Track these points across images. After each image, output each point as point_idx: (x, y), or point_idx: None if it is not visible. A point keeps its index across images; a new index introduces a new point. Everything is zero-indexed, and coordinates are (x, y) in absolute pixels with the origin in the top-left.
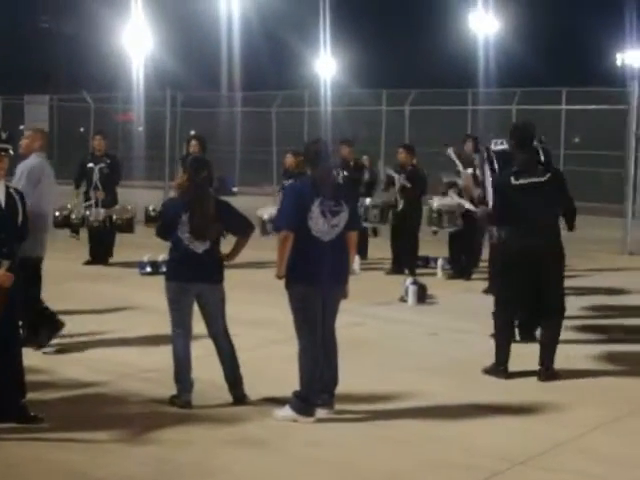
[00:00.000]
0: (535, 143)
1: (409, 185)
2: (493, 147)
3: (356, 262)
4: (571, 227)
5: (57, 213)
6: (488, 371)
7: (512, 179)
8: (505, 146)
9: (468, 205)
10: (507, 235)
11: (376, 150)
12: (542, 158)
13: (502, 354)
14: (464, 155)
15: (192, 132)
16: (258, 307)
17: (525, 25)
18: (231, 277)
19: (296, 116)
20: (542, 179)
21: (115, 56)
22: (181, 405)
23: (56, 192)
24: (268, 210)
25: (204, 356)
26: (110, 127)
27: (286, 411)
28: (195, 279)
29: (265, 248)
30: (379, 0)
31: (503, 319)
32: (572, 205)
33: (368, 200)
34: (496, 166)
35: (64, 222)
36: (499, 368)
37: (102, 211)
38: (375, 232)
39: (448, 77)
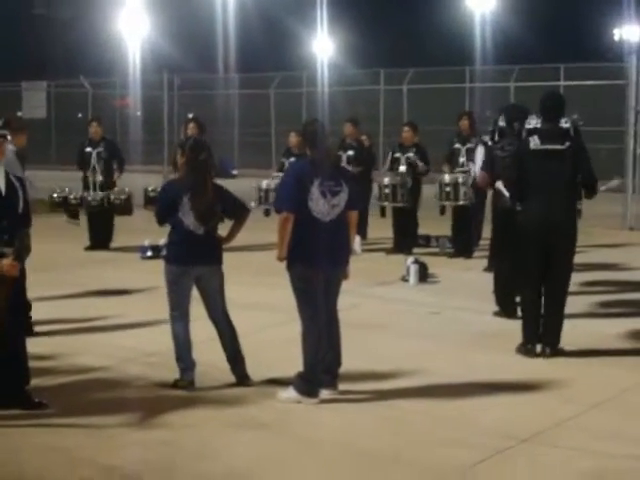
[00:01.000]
0: (567, 120)
1: (420, 163)
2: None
3: (357, 242)
4: (590, 195)
5: (55, 194)
6: (519, 350)
7: (531, 144)
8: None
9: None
10: (523, 203)
11: (375, 129)
12: (571, 133)
13: (529, 332)
14: (463, 133)
15: (190, 115)
16: (260, 289)
17: (521, 2)
18: (232, 259)
19: (294, 97)
20: (561, 147)
21: (111, 41)
22: (184, 385)
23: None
24: (267, 181)
25: (205, 340)
26: (108, 112)
27: (290, 392)
28: (196, 261)
29: (265, 229)
30: None
31: (527, 294)
32: (593, 175)
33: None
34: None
35: (62, 203)
36: (527, 347)
37: (100, 193)
38: (383, 212)
39: (445, 55)
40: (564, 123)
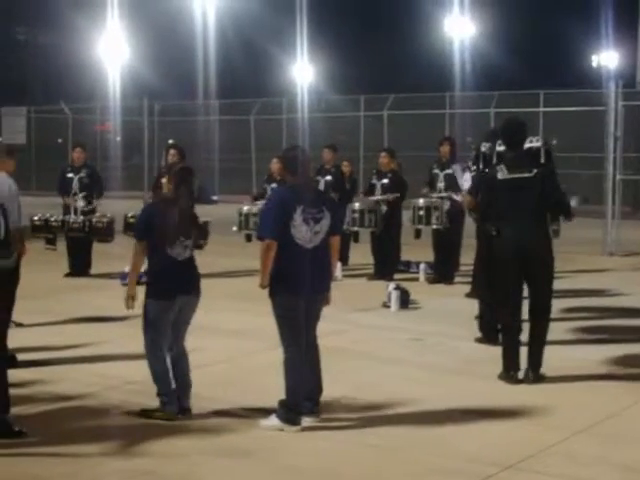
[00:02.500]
0: (538, 144)
1: (390, 197)
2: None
3: (338, 268)
4: (567, 218)
5: (36, 217)
6: (501, 377)
7: (498, 174)
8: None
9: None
10: (496, 231)
11: (355, 155)
12: (542, 159)
13: (509, 359)
14: (443, 159)
15: (170, 141)
16: (243, 316)
17: (501, 29)
18: (215, 286)
19: (274, 123)
20: (529, 175)
21: (92, 66)
22: (167, 417)
23: None
24: (247, 206)
25: (201, 365)
26: (88, 137)
27: (272, 420)
28: (180, 292)
29: (247, 255)
30: (355, 6)
31: (506, 321)
32: (564, 199)
33: (356, 205)
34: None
35: (43, 226)
36: (509, 373)
37: (81, 217)
38: (356, 237)
39: (425, 81)
40: (535, 142)
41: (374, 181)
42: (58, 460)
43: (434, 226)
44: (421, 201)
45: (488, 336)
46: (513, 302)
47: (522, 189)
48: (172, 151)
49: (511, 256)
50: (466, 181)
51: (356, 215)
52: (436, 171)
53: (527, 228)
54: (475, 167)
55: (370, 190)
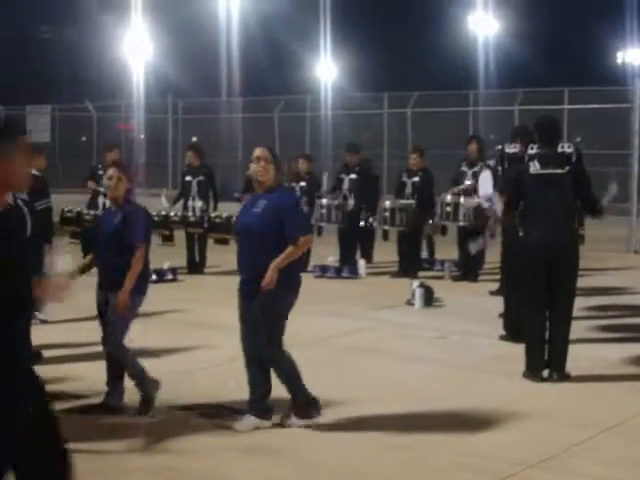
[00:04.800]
0: (570, 150)
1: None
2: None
3: (362, 266)
4: (596, 215)
5: (66, 209)
6: (525, 375)
7: (530, 168)
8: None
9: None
10: (524, 227)
11: (379, 152)
12: (574, 159)
13: (534, 357)
14: (471, 157)
15: (194, 138)
16: None
17: (524, 25)
18: (222, 282)
19: (298, 121)
20: (561, 171)
21: (116, 65)
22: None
23: None
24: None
25: (207, 366)
26: (112, 136)
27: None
28: None
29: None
30: (379, 3)
31: (531, 319)
32: (594, 198)
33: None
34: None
35: (75, 219)
36: (533, 372)
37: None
38: (386, 236)
39: (449, 79)
40: (567, 148)
41: (404, 179)
42: (83, 457)
43: (461, 223)
44: (448, 197)
45: (512, 334)
46: (538, 300)
47: (553, 185)
48: (189, 152)
49: (538, 256)
50: (486, 180)
51: (387, 214)
52: (464, 169)
53: (556, 227)
54: (500, 168)
55: (400, 188)
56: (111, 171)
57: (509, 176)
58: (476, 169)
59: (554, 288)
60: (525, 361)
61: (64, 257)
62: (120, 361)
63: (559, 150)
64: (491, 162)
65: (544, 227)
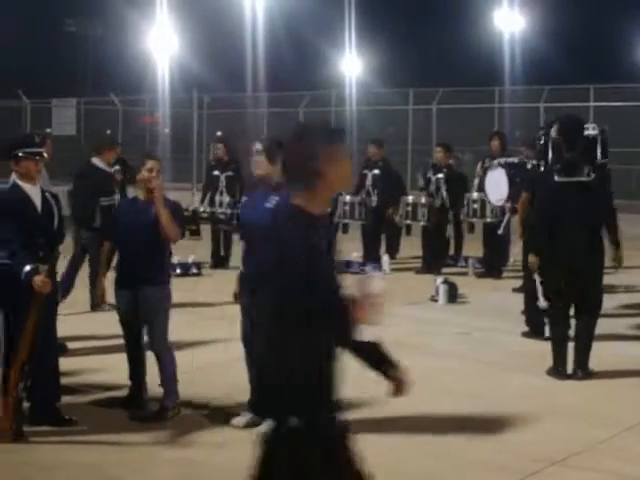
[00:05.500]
0: (595, 132)
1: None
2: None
3: (385, 262)
4: (611, 235)
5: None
6: (550, 372)
7: (555, 176)
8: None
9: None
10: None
11: (404, 149)
12: (599, 151)
13: (558, 354)
14: (494, 153)
15: (218, 133)
16: None
17: (550, 22)
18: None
19: (323, 116)
20: (586, 179)
21: (141, 58)
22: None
23: None
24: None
25: (229, 361)
26: (137, 130)
27: None
28: None
29: None
30: None
31: (556, 316)
32: (611, 216)
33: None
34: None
35: (190, 217)
36: (558, 368)
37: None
38: (408, 230)
39: (474, 75)
40: (592, 130)
41: (429, 175)
42: (108, 448)
43: (488, 219)
44: (475, 194)
45: (535, 330)
46: (563, 297)
47: (578, 194)
48: (218, 145)
49: (562, 253)
50: (501, 178)
51: (409, 208)
52: (487, 165)
53: (580, 237)
54: (543, 161)
55: (426, 183)
56: (151, 163)
57: (534, 178)
58: (487, 164)
59: (579, 287)
60: (552, 358)
61: (378, 275)
62: (161, 357)
63: (585, 133)
64: (509, 159)
65: (568, 238)
